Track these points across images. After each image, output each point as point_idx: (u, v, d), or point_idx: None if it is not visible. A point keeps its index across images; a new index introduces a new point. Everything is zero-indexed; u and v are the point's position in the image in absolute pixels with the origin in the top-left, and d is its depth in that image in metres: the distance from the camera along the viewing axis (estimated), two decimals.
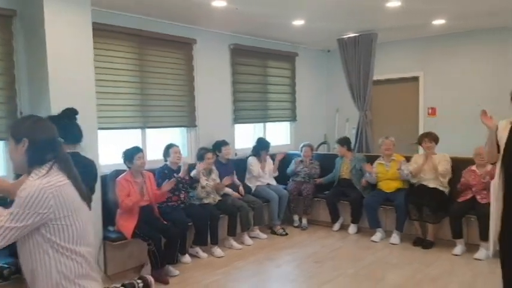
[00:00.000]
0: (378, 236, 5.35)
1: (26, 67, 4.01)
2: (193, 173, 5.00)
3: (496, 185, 3.14)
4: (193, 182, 4.99)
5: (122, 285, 3.75)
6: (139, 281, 3.77)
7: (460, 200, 4.84)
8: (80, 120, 3.47)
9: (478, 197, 4.68)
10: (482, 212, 4.42)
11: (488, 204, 4.49)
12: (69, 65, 3.89)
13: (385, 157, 5.51)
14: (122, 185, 4.20)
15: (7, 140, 2.44)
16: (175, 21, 5.33)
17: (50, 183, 1.64)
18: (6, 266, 3.12)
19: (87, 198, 1.81)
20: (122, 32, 4.81)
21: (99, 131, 4.19)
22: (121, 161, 4.38)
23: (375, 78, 6.63)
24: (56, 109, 3.77)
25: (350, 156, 5.89)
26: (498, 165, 3.11)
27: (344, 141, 6.02)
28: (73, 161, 1.98)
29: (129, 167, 4.34)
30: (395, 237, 5.22)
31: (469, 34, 6.41)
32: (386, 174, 5.45)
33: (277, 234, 5.69)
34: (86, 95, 4.00)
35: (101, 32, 4.48)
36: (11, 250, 3.39)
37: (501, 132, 3.08)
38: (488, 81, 6.25)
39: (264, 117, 6.82)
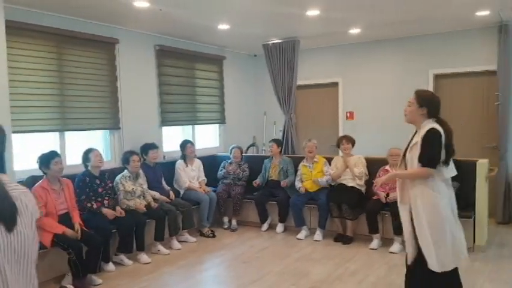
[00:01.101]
0: (303, 233, 5.56)
1: None
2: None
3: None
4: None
5: None
6: None
7: (375, 197, 5.18)
8: None
9: (391, 195, 5.00)
10: (395, 209, 4.78)
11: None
12: None
13: (309, 159, 5.74)
14: (39, 194, 3.96)
15: None
16: (96, 20, 5.14)
17: None
18: None
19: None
20: (38, 31, 4.56)
21: (13, 134, 3.93)
22: (37, 166, 4.14)
23: (299, 83, 6.89)
24: None
25: (279, 158, 6.06)
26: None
27: (280, 142, 6.28)
28: None
29: (45, 173, 4.11)
30: (318, 235, 5.47)
31: (381, 43, 6.89)
32: (310, 175, 5.69)
33: (206, 237, 5.70)
34: None
35: (16, 30, 4.23)
36: None
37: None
38: (398, 85, 6.73)
39: (192, 120, 6.79)
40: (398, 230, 4.79)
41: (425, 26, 6.05)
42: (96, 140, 5.43)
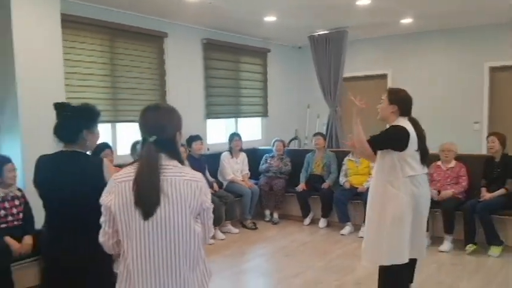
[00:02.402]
0: (347, 229, 5.47)
1: None
2: None
3: None
4: None
5: None
6: None
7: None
8: (49, 114, 3.37)
9: (443, 192, 4.83)
10: (446, 207, 4.64)
11: (450, 198, 4.73)
12: (37, 56, 3.80)
13: (355, 153, 5.62)
14: None
15: None
16: (146, 13, 5.26)
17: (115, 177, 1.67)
18: None
19: None
20: (92, 24, 4.71)
21: None
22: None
23: (345, 75, 6.75)
24: (23, 103, 3.67)
25: (323, 152, 5.99)
26: None
27: (324, 136, 6.19)
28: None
29: None
30: (363, 231, 5.34)
31: (433, 33, 6.62)
32: (356, 170, 5.58)
33: (248, 228, 5.74)
34: (55, 88, 3.91)
35: (70, 23, 4.38)
36: None
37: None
38: (450, 78, 6.46)
39: (236, 113, 6.84)
40: (449, 228, 4.64)
41: (481, 17, 5.75)
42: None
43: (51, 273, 2.39)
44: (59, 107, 2.37)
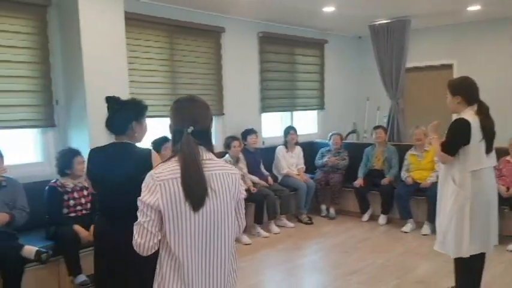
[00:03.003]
0: (408, 226, 5.27)
1: (61, 56, 4.11)
2: None
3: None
4: None
5: None
6: None
7: None
8: None
9: (511, 188, 4.54)
10: None
11: None
12: (103, 53, 3.97)
13: (418, 147, 5.39)
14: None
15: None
16: (204, 9, 5.33)
17: (154, 174, 1.64)
18: (43, 250, 3.23)
19: None
20: (152, 22, 4.85)
21: None
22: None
23: (408, 65, 6.47)
24: (90, 98, 3.86)
25: (383, 146, 5.80)
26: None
27: (386, 129, 6.00)
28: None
29: None
30: (426, 228, 5.12)
31: (501, 21, 6.19)
32: (419, 165, 5.35)
33: (303, 223, 5.69)
34: (119, 83, 4.07)
35: (133, 21, 4.53)
36: (48, 234, 3.54)
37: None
38: None
39: (291, 106, 6.79)
40: None
41: None
42: None
43: (103, 258, 2.52)
44: (110, 101, 2.55)
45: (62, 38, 4.08)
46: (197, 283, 1.60)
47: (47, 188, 3.61)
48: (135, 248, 1.61)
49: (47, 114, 4.08)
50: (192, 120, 1.64)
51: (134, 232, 1.60)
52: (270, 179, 5.61)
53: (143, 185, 1.61)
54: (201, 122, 1.67)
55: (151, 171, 1.61)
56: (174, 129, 1.69)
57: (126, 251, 2.43)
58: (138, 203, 1.59)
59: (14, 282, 3.14)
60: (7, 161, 3.38)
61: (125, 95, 4.06)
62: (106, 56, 3.99)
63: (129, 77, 4.26)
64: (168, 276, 1.61)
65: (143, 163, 2.36)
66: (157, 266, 1.65)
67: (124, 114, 2.51)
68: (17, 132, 4.07)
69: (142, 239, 1.58)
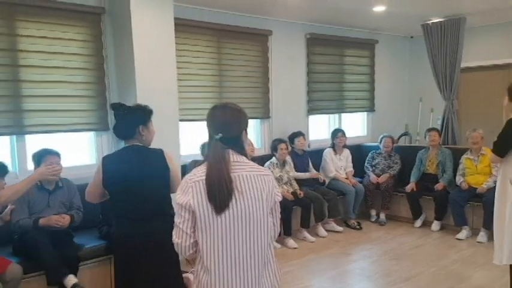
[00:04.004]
0: (463, 233, 5.03)
1: (115, 62, 4.28)
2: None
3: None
4: None
5: None
6: None
7: None
8: (163, 112, 3.64)
9: None
10: None
11: None
12: (153, 59, 4.09)
13: (474, 151, 5.12)
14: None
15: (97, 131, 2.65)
16: (251, 13, 5.37)
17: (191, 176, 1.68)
18: (81, 285, 3.32)
19: None
20: (200, 26, 4.95)
21: (180, 122, 4.36)
22: (198, 151, 4.54)
23: (463, 65, 6.17)
24: (141, 101, 3.97)
25: (437, 149, 5.56)
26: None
27: (440, 131, 5.79)
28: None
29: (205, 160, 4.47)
30: (482, 236, 4.86)
31: None
32: (475, 169, 5.08)
33: (352, 228, 5.57)
34: (168, 88, 4.19)
35: (181, 26, 4.64)
36: (101, 233, 3.68)
37: None
38: None
39: (339, 108, 6.67)
40: None
41: None
42: (249, 129, 5.71)
43: (127, 264, 2.57)
44: (115, 108, 2.63)
45: (115, 45, 4.25)
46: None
47: None
48: (175, 248, 1.68)
49: (101, 118, 4.26)
50: (222, 127, 1.69)
51: (173, 232, 1.67)
52: (321, 177, 5.52)
53: (178, 187, 1.68)
54: (231, 129, 1.71)
55: (186, 175, 1.69)
56: (208, 135, 1.76)
57: (153, 252, 2.49)
58: (174, 205, 1.68)
59: None
60: (64, 163, 3.54)
61: (173, 99, 4.21)
62: (156, 62, 4.11)
63: (178, 81, 4.35)
64: (202, 278, 1.64)
65: (160, 163, 2.47)
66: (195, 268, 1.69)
67: (130, 119, 2.59)
68: (73, 136, 4.26)
69: (179, 239, 1.65)
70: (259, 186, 1.65)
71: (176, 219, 1.65)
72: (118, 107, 2.68)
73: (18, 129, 3.80)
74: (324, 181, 5.56)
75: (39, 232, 3.21)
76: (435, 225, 5.38)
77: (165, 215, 2.47)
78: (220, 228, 1.60)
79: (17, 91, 3.77)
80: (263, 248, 1.66)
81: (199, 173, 1.65)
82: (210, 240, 1.61)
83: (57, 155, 3.45)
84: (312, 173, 5.48)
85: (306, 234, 5.15)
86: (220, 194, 1.58)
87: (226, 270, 1.61)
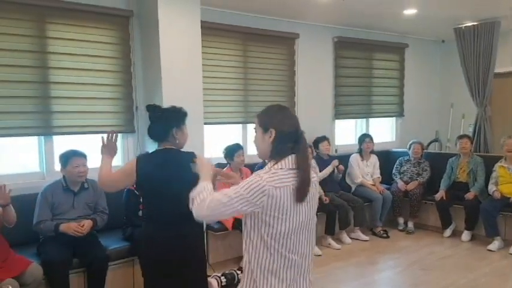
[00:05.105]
0: (495, 244, 4.84)
1: (142, 65, 4.31)
2: None
3: None
4: None
5: (222, 275, 3.87)
6: (239, 271, 3.85)
7: None
8: (188, 115, 3.60)
9: None
10: None
11: None
12: (180, 62, 4.09)
13: (508, 159, 4.92)
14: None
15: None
16: (278, 16, 5.32)
17: (272, 179, 1.66)
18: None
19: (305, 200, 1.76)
20: (227, 30, 4.93)
21: (204, 125, 4.35)
22: (222, 155, 4.51)
23: (496, 70, 5.95)
24: (167, 104, 3.99)
25: (468, 157, 5.37)
26: None
27: (472, 138, 5.60)
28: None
29: (229, 163, 4.45)
30: None
31: None
32: (509, 178, 4.88)
33: (378, 236, 5.42)
34: (194, 91, 4.19)
35: (207, 29, 4.63)
36: (125, 234, 3.69)
37: None
38: None
39: (367, 113, 6.54)
40: None
41: None
42: None
43: (155, 266, 2.56)
44: (150, 109, 2.61)
45: (143, 47, 4.28)
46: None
47: (125, 190, 3.76)
48: (202, 202, 1.72)
49: (128, 120, 4.30)
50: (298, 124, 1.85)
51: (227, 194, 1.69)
52: (340, 166, 5.34)
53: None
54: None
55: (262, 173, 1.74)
56: (277, 133, 1.77)
57: (182, 256, 2.47)
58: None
59: (100, 280, 3.33)
60: (90, 165, 3.57)
61: (199, 102, 4.20)
62: (183, 65, 4.11)
63: (203, 84, 4.34)
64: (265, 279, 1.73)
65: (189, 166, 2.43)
66: (249, 273, 1.76)
67: (164, 121, 2.57)
68: (100, 137, 4.29)
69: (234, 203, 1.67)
70: (316, 191, 1.83)
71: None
72: (153, 109, 2.67)
73: (46, 130, 3.87)
74: (341, 168, 5.34)
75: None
76: (465, 235, 5.19)
77: (195, 219, 2.44)
78: (299, 230, 1.76)
79: (45, 92, 3.84)
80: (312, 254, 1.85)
81: (285, 178, 1.69)
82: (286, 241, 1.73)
83: (83, 156, 3.49)
84: (332, 164, 5.29)
85: (330, 241, 5.05)
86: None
87: (300, 268, 1.80)
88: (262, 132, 1.79)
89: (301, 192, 1.68)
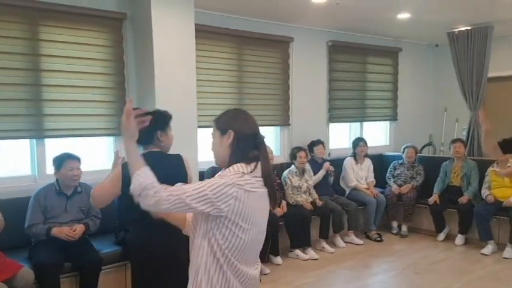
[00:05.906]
0: (489, 248, 4.85)
1: (135, 67, 4.29)
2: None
3: None
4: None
5: None
6: None
7: None
8: (182, 118, 3.60)
9: None
10: None
11: None
12: (173, 65, 4.07)
13: (500, 163, 4.93)
14: None
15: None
16: (273, 20, 5.33)
17: (243, 182, 1.54)
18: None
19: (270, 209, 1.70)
20: (221, 33, 4.92)
21: (198, 129, 4.33)
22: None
23: (490, 75, 5.99)
24: (160, 107, 3.97)
25: (462, 161, 5.38)
26: None
27: (465, 142, 5.63)
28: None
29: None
30: (509, 251, 4.69)
31: None
32: (502, 182, 4.90)
33: (372, 240, 5.42)
34: (188, 94, 4.16)
35: (202, 33, 4.62)
36: (117, 239, 3.66)
37: None
38: None
39: (361, 116, 6.55)
40: None
41: None
42: (268, 136, 5.66)
43: (143, 270, 2.55)
44: None
45: (136, 50, 4.26)
46: None
47: None
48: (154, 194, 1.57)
49: (120, 123, 4.25)
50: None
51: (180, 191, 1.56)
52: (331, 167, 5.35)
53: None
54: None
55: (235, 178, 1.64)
56: (240, 135, 1.68)
57: (171, 259, 2.45)
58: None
59: (92, 284, 3.30)
60: (83, 168, 3.54)
61: (192, 105, 4.18)
62: (176, 67, 4.09)
63: (197, 87, 4.33)
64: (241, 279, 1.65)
65: (178, 168, 2.46)
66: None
67: (148, 124, 2.54)
68: (92, 140, 4.27)
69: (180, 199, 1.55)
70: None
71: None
72: None
73: (38, 133, 3.83)
74: (331, 169, 5.34)
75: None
76: (459, 239, 5.21)
77: None
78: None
79: (38, 95, 3.80)
80: None
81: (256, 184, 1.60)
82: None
83: (77, 159, 3.46)
84: (324, 167, 5.31)
85: (324, 244, 5.04)
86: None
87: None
88: (220, 135, 1.67)
89: (273, 199, 1.62)
